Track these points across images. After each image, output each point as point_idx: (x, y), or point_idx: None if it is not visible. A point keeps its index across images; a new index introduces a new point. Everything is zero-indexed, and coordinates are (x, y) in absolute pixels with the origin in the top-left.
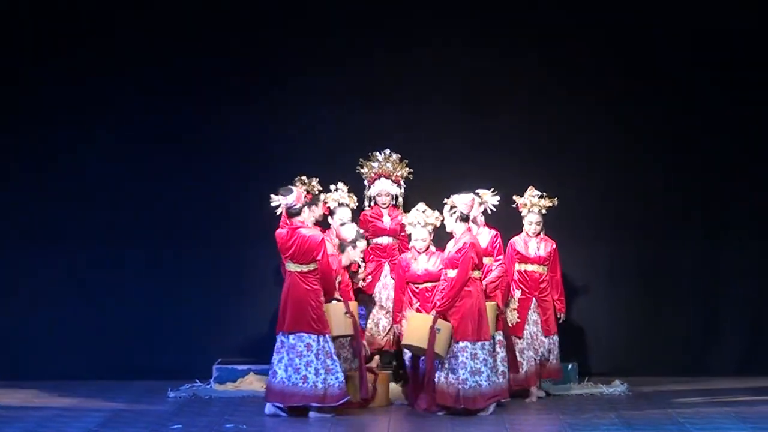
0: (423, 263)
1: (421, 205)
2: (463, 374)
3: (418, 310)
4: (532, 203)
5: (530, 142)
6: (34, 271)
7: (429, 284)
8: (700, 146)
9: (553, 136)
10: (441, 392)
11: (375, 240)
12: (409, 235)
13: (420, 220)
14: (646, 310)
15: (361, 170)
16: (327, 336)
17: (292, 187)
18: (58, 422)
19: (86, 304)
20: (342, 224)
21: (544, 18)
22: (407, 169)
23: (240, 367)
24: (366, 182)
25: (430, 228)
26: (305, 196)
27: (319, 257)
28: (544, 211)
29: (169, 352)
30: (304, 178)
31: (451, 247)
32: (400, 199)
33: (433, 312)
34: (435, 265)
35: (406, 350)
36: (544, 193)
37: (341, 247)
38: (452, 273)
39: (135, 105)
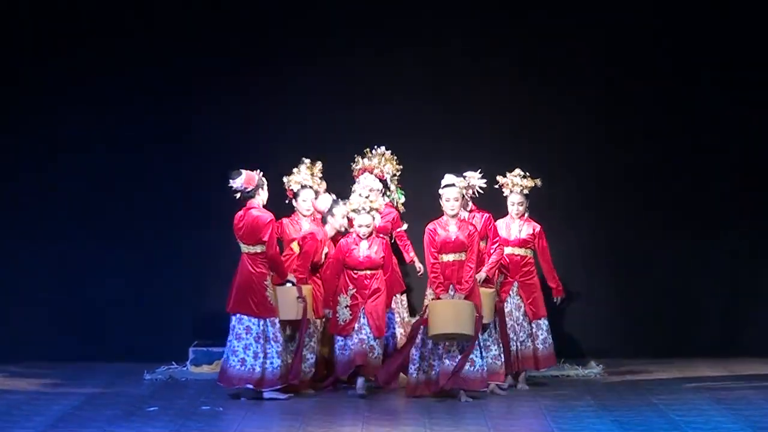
0: (364, 249)
1: (365, 191)
2: (478, 357)
3: (353, 298)
4: (513, 183)
5: (519, 136)
6: (6, 256)
7: (368, 271)
8: (680, 137)
9: (539, 127)
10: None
11: None
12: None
13: (365, 206)
14: (622, 292)
15: (355, 167)
16: (269, 320)
17: (242, 170)
18: (33, 405)
19: (61, 287)
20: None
21: (538, 16)
22: (396, 165)
23: (216, 350)
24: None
25: (375, 213)
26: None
27: (265, 238)
28: (526, 192)
29: (145, 335)
30: (307, 161)
31: (453, 231)
32: (393, 196)
33: (460, 296)
34: (377, 252)
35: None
36: (527, 173)
37: (323, 220)
38: (452, 257)
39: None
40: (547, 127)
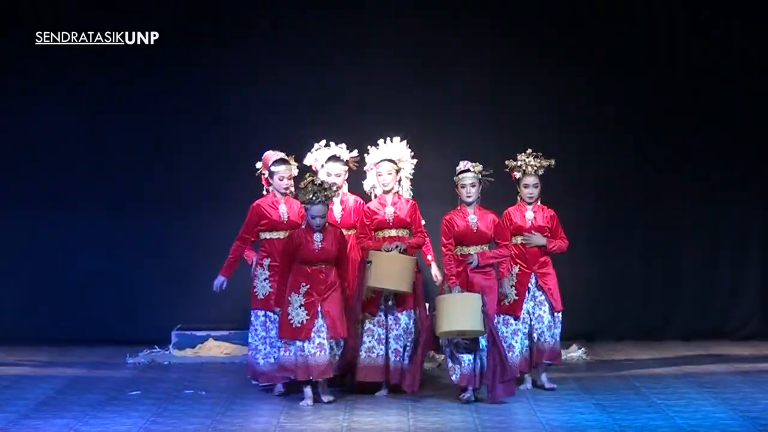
0: (318, 241)
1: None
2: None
3: (307, 295)
4: (527, 163)
5: (500, 118)
6: None
7: (323, 265)
8: (657, 110)
9: (523, 108)
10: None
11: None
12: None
13: (321, 195)
14: (604, 275)
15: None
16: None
17: (270, 152)
18: (15, 388)
19: (43, 269)
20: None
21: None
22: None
23: (199, 333)
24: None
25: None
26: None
27: None
28: (541, 172)
29: (127, 318)
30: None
31: (473, 221)
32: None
33: (458, 288)
34: (332, 244)
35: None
36: (540, 153)
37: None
38: (473, 249)
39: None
40: (531, 108)
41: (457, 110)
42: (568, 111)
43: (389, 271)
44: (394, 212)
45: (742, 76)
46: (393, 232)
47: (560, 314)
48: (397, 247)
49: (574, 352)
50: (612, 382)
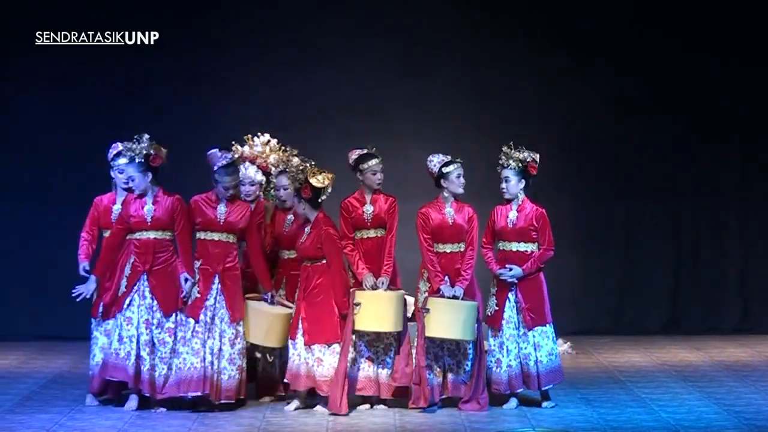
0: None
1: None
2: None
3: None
4: (505, 155)
5: (479, 112)
6: None
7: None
8: (635, 108)
9: (501, 105)
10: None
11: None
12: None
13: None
14: (590, 270)
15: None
16: None
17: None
18: None
19: (29, 264)
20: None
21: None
22: (285, 155)
23: None
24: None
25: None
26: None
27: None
28: (515, 167)
29: None
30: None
31: (450, 214)
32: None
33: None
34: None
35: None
36: (522, 147)
37: None
38: (449, 247)
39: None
40: (513, 104)
41: (442, 105)
42: (548, 109)
43: (378, 313)
44: (374, 211)
45: (716, 74)
46: (372, 233)
47: (548, 328)
48: (382, 283)
49: (560, 347)
50: (597, 377)
